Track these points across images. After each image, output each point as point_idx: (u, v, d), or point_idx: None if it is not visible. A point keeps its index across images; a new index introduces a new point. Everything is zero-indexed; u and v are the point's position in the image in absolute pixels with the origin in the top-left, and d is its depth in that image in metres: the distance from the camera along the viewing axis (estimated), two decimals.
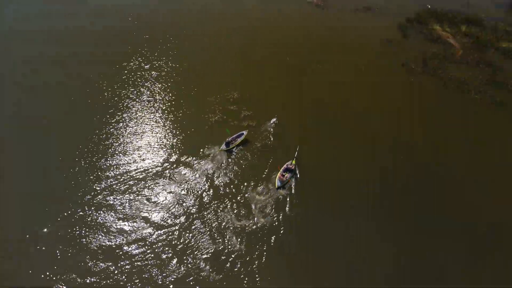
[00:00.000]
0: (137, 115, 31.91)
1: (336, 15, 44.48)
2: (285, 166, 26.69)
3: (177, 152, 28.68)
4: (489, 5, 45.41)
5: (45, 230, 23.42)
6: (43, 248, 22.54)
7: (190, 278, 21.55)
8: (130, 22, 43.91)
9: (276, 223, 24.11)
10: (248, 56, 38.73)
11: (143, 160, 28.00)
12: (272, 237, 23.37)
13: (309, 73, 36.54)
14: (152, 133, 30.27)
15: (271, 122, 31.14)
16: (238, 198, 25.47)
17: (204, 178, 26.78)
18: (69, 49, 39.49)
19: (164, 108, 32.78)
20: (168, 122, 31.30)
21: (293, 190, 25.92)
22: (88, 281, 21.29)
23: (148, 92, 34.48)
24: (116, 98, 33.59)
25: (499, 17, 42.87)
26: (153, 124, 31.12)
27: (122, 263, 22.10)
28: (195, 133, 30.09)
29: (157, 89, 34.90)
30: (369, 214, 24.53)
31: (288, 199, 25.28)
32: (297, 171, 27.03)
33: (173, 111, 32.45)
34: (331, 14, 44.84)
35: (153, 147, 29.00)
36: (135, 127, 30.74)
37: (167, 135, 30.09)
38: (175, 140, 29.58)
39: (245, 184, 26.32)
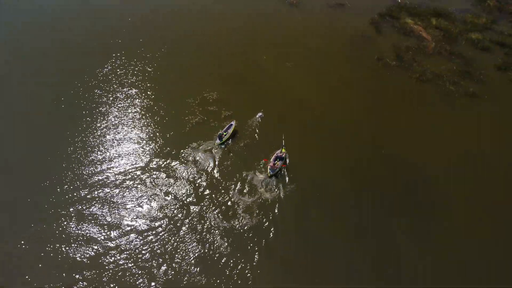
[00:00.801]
0: (116, 120, 31.32)
1: (310, 13, 44.14)
2: (275, 154, 27.40)
3: (162, 153, 28.55)
4: None
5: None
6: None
7: (182, 281, 21.66)
8: (93, 23, 42.09)
9: (273, 215, 24.56)
10: (223, 57, 37.91)
11: (124, 163, 27.89)
12: (271, 231, 23.84)
13: (286, 71, 36.18)
14: (134, 137, 30.02)
15: (257, 116, 31.31)
16: (232, 193, 25.76)
17: (195, 175, 26.92)
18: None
19: (142, 112, 32.15)
20: (149, 127, 30.89)
21: (286, 179, 26.66)
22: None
23: (125, 97, 33.55)
24: (92, 105, 32.65)
25: (466, 9, 43.83)
26: (133, 129, 30.66)
27: (109, 267, 22.26)
28: (180, 134, 29.94)
29: (134, 93, 33.96)
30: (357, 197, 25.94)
31: (281, 188, 26.08)
32: (287, 159, 27.73)
33: (152, 114, 31.92)
34: (305, 11, 44.45)
35: (135, 152, 28.78)
36: (115, 132, 30.38)
37: (150, 139, 29.81)
38: (160, 143, 29.48)
39: (239, 177, 26.65)
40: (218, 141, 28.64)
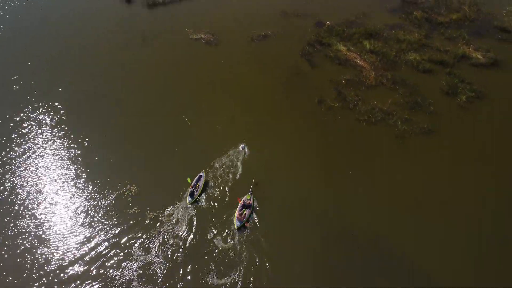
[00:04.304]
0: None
1: (231, 50, 38.41)
2: (241, 202, 24.58)
3: None
4: (382, 11, 43.41)
5: None
6: None
7: None
8: None
9: (259, 265, 21.99)
10: (132, 124, 31.12)
11: None
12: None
13: (215, 132, 30.14)
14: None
15: (241, 148, 28.46)
16: (217, 251, 22.73)
17: (171, 243, 23.32)
18: None
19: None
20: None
21: (257, 224, 23.96)
22: None
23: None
24: None
25: (396, 24, 40.99)
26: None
27: None
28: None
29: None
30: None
31: (257, 236, 23.38)
32: (256, 204, 24.96)
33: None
34: (225, 50, 38.61)
35: None
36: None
37: None
38: None
39: (222, 233, 23.63)
40: (189, 200, 24.99)
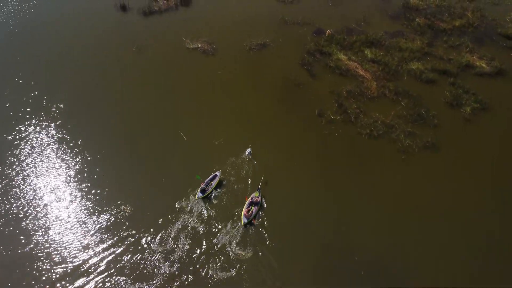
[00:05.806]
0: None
1: (229, 60, 37.38)
2: (249, 199, 24.91)
3: None
4: (383, 17, 42.50)
5: None
6: None
7: None
8: None
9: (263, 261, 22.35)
10: (133, 136, 30.31)
11: None
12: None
13: (212, 148, 29.15)
14: None
15: (247, 153, 28.21)
16: (224, 248, 23.00)
17: (182, 236, 23.69)
18: None
19: None
20: None
21: (265, 223, 24.23)
22: None
23: None
24: None
25: (398, 31, 40.01)
26: None
27: None
28: None
29: None
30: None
31: (264, 234, 23.64)
32: (264, 202, 25.22)
33: None
34: (222, 60, 37.59)
35: None
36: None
37: None
38: None
39: (233, 229, 23.91)
40: (200, 195, 25.32)
